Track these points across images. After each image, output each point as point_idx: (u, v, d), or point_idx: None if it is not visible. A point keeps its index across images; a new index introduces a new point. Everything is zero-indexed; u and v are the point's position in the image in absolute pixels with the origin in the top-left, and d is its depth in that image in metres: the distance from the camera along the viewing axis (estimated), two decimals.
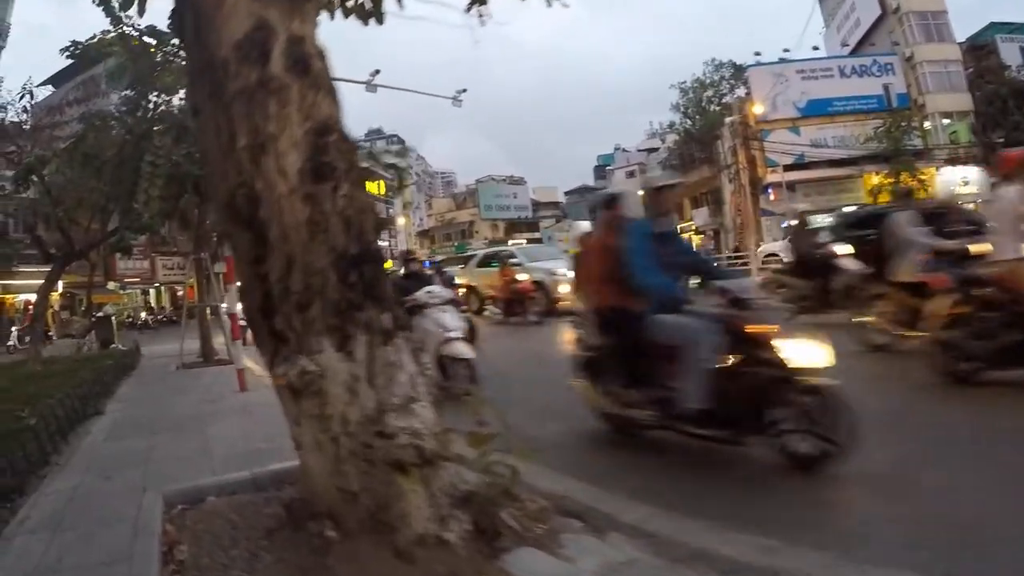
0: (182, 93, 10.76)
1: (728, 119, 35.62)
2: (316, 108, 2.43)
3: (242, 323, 11.25)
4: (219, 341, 11.58)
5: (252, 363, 7.75)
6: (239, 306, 10.33)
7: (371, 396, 2.39)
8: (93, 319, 18.88)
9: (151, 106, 10.93)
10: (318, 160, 2.36)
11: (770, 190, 31.67)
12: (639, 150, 58.83)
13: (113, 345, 15.99)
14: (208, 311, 11.86)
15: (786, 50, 33.80)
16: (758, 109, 32.03)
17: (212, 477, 3.92)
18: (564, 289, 13.90)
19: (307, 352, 2.36)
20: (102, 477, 4.26)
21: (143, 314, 35.56)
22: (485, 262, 18.02)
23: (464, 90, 18.59)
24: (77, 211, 13.15)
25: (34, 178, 12.23)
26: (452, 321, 6.27)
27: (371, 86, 18.14)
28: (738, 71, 39.80)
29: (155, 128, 10.37)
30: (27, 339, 20.47)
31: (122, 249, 12.37)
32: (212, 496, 3.51)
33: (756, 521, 2.71)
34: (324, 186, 2.36)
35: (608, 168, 64.39)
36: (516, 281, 14.60)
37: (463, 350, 6.05)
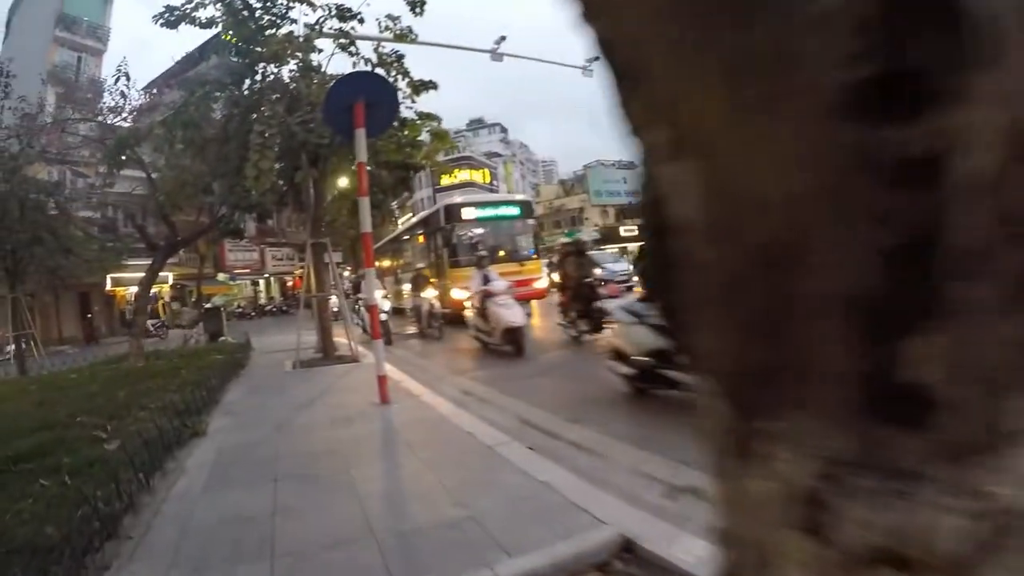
0: (293, 64, 9.53)
1: None
2: None
3: (383, 317, 9.34)
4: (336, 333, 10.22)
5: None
6: (378, 295, 8.27)
7: None
8: (202, 311, 18.46)
9: (258, 77, 9.65)
10: None
11: None
12: None
13: (222, 337, 15.29)
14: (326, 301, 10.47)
15: None
16: None
17: None
18: None
19: (985, 449, 0.45)
20: None
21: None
22: None
23: (596, 58, 17.41)
24: (179, 195, 12.13)
25: (140, 172, 11.28)
26: None
27: (496, 55, 17.34)
28: None
29: (264, 98, 9.03)
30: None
31: (232, 232, 11.34)
32: None
33: None
34: None
35: None
36: None
37: None
